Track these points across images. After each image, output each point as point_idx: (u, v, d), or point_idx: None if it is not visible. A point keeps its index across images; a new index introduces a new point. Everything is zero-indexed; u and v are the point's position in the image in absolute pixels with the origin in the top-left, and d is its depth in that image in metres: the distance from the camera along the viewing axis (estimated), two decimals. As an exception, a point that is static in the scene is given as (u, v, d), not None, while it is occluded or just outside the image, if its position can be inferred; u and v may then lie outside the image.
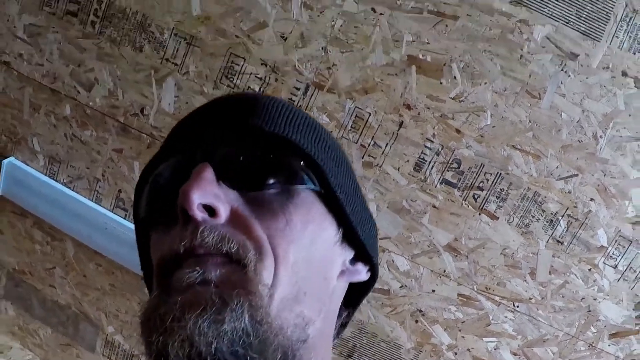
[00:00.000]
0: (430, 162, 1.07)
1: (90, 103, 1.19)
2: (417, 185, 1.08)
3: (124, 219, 1.22)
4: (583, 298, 1.09)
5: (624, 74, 0.99)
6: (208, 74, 1.11)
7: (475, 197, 1.07)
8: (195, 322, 0.34)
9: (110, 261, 1.25)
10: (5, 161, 1.23)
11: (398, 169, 1.09)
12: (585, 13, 0.97)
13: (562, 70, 0.99)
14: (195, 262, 0.37)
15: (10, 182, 1.23)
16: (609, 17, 0.96)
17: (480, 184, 1.07)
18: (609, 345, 1.09)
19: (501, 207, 1.07)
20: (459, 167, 1.07)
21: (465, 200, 1.08)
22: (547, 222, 1.07)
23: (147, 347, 0.37)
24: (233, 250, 0.38)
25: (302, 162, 0.44)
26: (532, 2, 0.98)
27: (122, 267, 1.25)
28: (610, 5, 0.96)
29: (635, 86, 0.99)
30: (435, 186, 1.08)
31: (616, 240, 1.05)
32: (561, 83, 1.00)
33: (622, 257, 1.06)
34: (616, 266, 1.06)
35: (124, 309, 1.30)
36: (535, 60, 1.00)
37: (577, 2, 0.96)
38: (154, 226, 0.45)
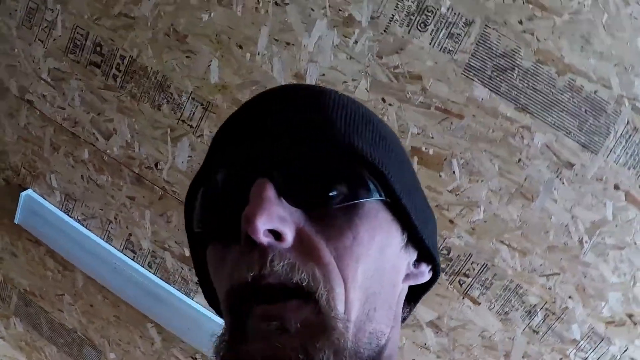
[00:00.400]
0: (422, 246, 1.12)
1: (108, 151, 1.21)
2: (408, 265, 1.14)
3: (132, 260, 1.25)
4: (552, 382, 1.15)
5: (616, 187, 1.01)
6: (221, 139, 1.14)
7: (461, 282, 1.12)
8: None
9: (116, 295, 1.31)
10: (23, 193, 1.26)
11: (392, 248, 1.13)
12: (587, 126, 0.99)
13: (557, 177, 1.02)
14: (270, 311, 0.35)
15: (27, 213, 1.27)
16: (610, 132, 0.98)
17: (467, 272, 1.11)
18: None
19: (484, 294, 1.12)
20: (448, 254, 1.11)
21: (451, 284, 1.13)
22: (525, 312, 1.12)
23: None
24: (304, 284, 0.36)
25: (367, 172, 0.40)
26: (537, 110, 1.00)
27: (127, 302, 1.32)
28: (612, 121, 0.98)
29: (625, 199, 1.02)
30: (425, 268, 1.13)
31: (589, 336, 1.10)
32: (555, 189, 1.03)
33: (592, 351, 1.11)
34: (586, 359, 1.13)
35: (127, 339, 1.35)
36: (532, 165, 1.03)
37: (580, 115, 0.98)
38: (210, 239, 0.43)
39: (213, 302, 0.48)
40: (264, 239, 0.36)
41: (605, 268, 1.05)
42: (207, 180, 0.43)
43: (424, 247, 0.46)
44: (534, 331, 1.11)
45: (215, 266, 0.42)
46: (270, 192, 0.37)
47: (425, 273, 0.48)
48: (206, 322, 1.20)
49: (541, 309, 1.09)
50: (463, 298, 1.12)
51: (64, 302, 1.39)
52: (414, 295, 0.51)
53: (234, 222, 0.38)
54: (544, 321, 1.10)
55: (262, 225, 0.35)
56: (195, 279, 1.23)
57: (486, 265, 1.09)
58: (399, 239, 0.43)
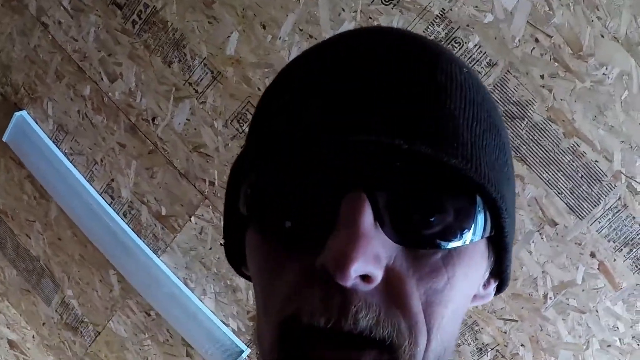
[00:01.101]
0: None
1: (110, 93, 1.23)
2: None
3: (109, 205, 1.29)
4: (486, 421, 1.23)
5: (592, 254, 1.06)
6: (222, 111, 1.17)
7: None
8: None
9: (85, 235, 1.35)
10: (17, 113, 1.29)
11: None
12: (579, 192, 1.03)
13: (538, 231, 1.07)
14: (342, 358, 0.32)
15: (17, 133, 1.29)
16: (600, 202, 1.03)
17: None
18: None
19: (441, 323, 1.19)
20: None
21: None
22: (476, 348, 1.18)
23: None
24: (388, 342, 0.31)
25: (483, 203, 0.33)
26: (535, 164, 1.03)
27: (94, 244, 1.37)
28: (604, 192, 1.02)
29: (598, 268, 1.07)
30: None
31: (531, 386, 1.18)
32: (533, 241, 1.08)
33: (531, 401, 1.19)
34: (523, 407, 1.20)
35: (86, 280, 1.40)
36: (517, 214, 1.08)
37: (576, 179, 1.02)
38: (256, 226, 0.37)
39: (233, 260, 0.45)
40: (351, 282, 0.30)
41: (563, 326, 1.11)
42: (269, 153, 0.34)
43: (502, 269, 0.41)
44: (479, 369, 1.18)
45: (261, 263, 0.37)
46: (369, 219, 0.31)
47: (492, 293, 0.43)
48: (167, 282, 1.26)
49: (492, 349, 1.16)
50: (419, 322, 1.18)
51: (33, 229, 1.44)
52: None
53: (300, 223, 0.34)
54: (491, 361, 1.17)
55: (355, 272, 0.30)
56: (168, 240, 1.28)
57: (449, 297, 1.15)
58: (485, 268, 0.38)
